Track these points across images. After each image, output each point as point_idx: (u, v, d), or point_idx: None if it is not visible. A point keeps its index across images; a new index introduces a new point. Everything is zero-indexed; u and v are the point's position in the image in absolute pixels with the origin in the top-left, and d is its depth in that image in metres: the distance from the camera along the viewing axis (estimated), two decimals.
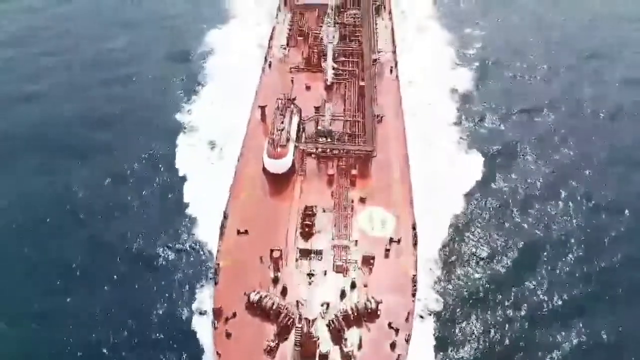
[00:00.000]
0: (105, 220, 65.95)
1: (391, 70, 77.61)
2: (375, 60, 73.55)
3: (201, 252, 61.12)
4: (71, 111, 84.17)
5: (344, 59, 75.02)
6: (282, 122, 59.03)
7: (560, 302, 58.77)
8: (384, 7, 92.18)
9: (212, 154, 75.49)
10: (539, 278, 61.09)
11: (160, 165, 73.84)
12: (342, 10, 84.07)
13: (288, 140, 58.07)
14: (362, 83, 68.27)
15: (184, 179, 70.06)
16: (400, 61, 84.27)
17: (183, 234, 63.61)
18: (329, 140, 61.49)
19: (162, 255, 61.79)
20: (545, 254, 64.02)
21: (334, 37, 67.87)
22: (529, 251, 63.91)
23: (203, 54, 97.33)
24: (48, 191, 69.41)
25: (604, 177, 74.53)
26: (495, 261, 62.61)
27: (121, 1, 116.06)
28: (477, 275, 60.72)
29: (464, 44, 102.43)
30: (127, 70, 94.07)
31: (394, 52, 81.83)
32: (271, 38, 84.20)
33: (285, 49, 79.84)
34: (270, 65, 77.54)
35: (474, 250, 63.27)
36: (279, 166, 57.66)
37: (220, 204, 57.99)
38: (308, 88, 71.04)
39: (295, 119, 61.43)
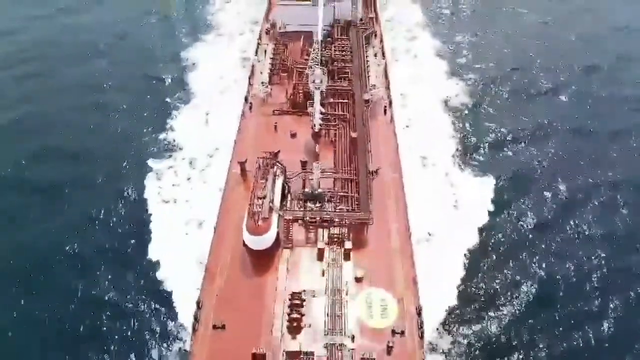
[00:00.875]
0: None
1: (385, 111, 69.53)
2: (367, 101, 67.24)
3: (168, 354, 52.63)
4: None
5: (332, 100, 67.86)
6: (264, 188, 50.99)
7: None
8: (375, 35, 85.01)
9: (192, 172, 72.34)
10: None
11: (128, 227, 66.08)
12: (329, 39, 78.33)
13: (271, 210, 49.71)
14: (353, 135, 61.03)
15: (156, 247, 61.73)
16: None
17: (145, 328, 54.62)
18: (318, 204, 53.46)
19: None
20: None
21: (321, 81, 59.53)
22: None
23: (184, 69, 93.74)
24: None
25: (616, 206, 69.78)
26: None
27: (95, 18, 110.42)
28: None
29: (455, 54, 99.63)
30: (102, 91, 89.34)
31: (388, 87, 73.68)
32: (252, 74, 75.50)
33: (267, 87, 71.04)
34: (250, 107, 69.45)
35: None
36: (260, 243, 49.24)
37: (193, 286, 50.55)
38: (293, 135, 63.41)
39: (280, 181, 53.20)
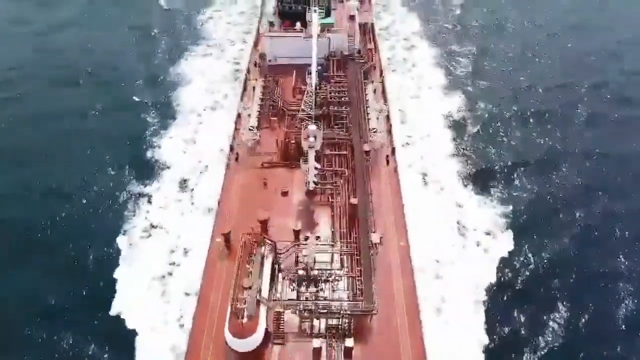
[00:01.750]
0: None
1: (387, 161, 62.09)
2: (368, 152, 60.12)
3: None
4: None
5: (329, 151, 60.02)
6: (250, 274, 43.59)
7: None
8: (374, 67, 78.17)
9: (183, 196, 67.64)
10: None
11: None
12: (324, 74, 70.74)
13: (259, 303, 42.26)
14: (353, 201, 52.83)
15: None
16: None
17: None
18: (313, 288, 46.10)
19: None
20: None
21: (315, 138, 52.16)
22: None
23: (173, 85, 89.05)
24: None
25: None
26: None
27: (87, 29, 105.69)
28: None
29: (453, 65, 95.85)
30: (86, 111, 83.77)
31: (390, 131, 66.97)
32: (238, 118, 67.81)
33: (255, 133, 63.34)
34: (237, 158, 61.75)
35: None
36: (245, 346, 41.41)
37: None
38: (285, 194, 56.15)
39: (269, 261, 45.62)
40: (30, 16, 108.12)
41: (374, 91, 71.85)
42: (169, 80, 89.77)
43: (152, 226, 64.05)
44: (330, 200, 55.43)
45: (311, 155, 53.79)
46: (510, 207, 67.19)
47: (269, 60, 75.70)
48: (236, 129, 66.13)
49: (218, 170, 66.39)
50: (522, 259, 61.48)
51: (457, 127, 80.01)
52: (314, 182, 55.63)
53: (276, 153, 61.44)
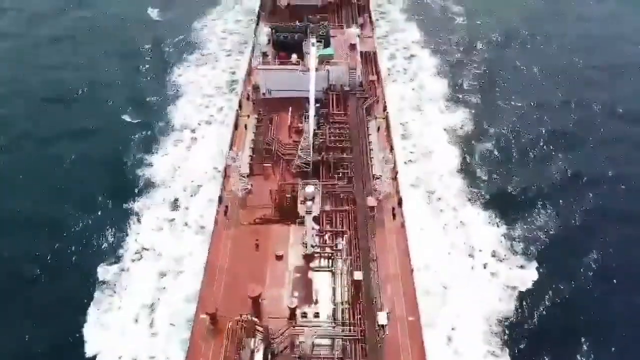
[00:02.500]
0: None
1: (394, 214, 55.89)
2: (373, 207, 54.33)
3: None
4: None
5: (329, 207, 54.05)
6: None
7: None
8: (377, 101, 71.29)
9: (175, 215, 65.08)
10: None
11: None
12: (323, 111, 65.69)
13: None
14: (357, 276, 47.14)
15: None
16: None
17: None
18: None
19: None
20: None
21: (313, 201, 46.77)
22: None
23: (165, 98, 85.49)
24: None
25: None
26: None
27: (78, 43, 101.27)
28: None
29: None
30: (82, 118, 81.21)
31: (395, 177, 60.14)
32: (227, 165, 61.07)
33: (247, 183, 57.57)
34: (226, 211, 55.17)
35: None
36: None
37: None
38: (279, 258, 50.56)
39: (260, 355, 40.81)
40: (15, 30, 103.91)
41: (378, 129, 66.42)
42: (161, 93, 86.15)
43: (144, 249, 61.33)
44: (330, 266, 49.83)
45: (308, 220, 47.97)
46: (519, 228, 64.59)
47: (263, 94, 70.30)
48: (225, 176, 59.11)
49: (211, 190, 64.59)
50: (536, 286, 58.47)
51: (462, 142, 76.76)
52: (312, 245, 49.51)
53: (270, 206, 54.84)
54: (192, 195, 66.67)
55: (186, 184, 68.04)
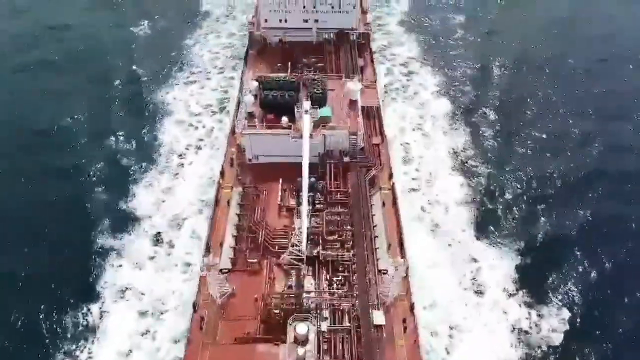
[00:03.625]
0: None
1: (405, 327, 46.32)
2: (381, 327, 45.08)
3: None
4: None
5: (326, 326, 44.57)
6: None
7: None
8: (382, 168, 61.74)
9: (158, 250, 60.35)
10: None
11: None
12: (319, 184, 56.68)
13: None
14: None
15: None
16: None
17: None
18: None
19: None
20: None
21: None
22: None
23: (153, 120, 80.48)
24: None
25: None
26: None
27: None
28: None
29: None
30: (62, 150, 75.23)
31: (403, 256, 50.88)
32: (207, 247, 51.94)
33: (227, 285, 47.24)
34: (201, 324, 45.10)
35: None
36: None
37: None
38: None
39: None
40: None
41: (383, 204, 56.73)
42: (147, 115, 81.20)
43: (126, 288, 56.46)
44: None
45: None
46: (531, 264, 59.64)
47: (249, 159, 61.24)
48: (204, 267, 45.92)
49: (196, 224, 61.17)
50: (542, 323, 54.29)
51: (466, 168, 72.17)
52: None
53: (255, 318, 45.34)
54: (176, 228, 61.95)
55: (171, 217, 63.34)
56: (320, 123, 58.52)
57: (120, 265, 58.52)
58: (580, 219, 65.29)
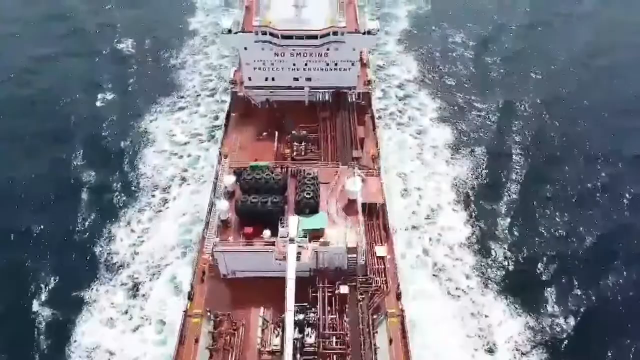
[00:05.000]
0: None
1: None
2: None
3: None
4: None
5: None
6: None
7: None
8: (387, 293, 49.88)
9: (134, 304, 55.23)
10: None
11: None
12: (311, 315, 45.53)
13: None
14: None
15: None
16: None
17: None
18: None
19: None
20: None
21: None
22: None
23: (137, 148, 75.48)
24: None
25: None
26: None
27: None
28: None
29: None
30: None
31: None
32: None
33: None
34: None
35: None
36: None
37: None
38: None
39: None
40: None
41: (390, 341, 45.77)
42: (130, 145, 75.95)
43: (95, 347, 51.57)
44: None
45: None
46: (544, 317, 54.67)
47: (224, 275, 50.68)
48: None
49: (177, 269, 56.63)
50: None
51: (471, 203, 67.13)
52: None
53: None
54: (155, 277, 57.07)
55: (149, 264, 58.59)
56: (311, 235, 48.63)
57: (91, 320, 53.89)
58: (601, 275, 59.48)
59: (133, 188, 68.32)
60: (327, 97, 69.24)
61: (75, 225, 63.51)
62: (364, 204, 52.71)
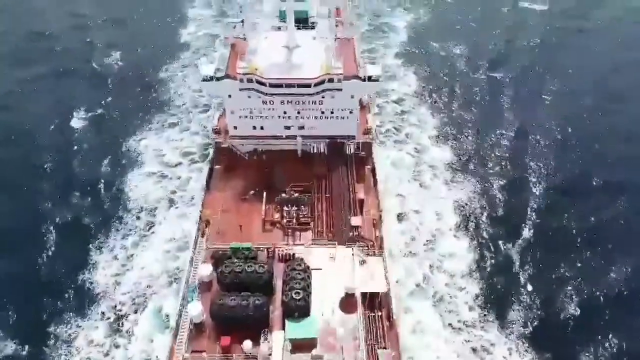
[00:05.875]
0: None
1: None
2: None
3: None
4: None
5: None
6: None
7: None
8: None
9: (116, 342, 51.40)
10: None
11: None
12: None
13: None
14: None
15: None
16: None
17: None
18: None
19: None
20: None
21: None
22: None
23: (122, 170, 72.06)
24: None
25: None
26: None
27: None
28: None
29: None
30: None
31: None
32: None
33: None
34: None
35: None
36: None
37: None
38: None
39: None
40: None
41: None
42: (116, 164, 72.75)
43: None
44: None
45: None
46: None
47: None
48: None
49: (163, 299, 53.03)
50: None
51: (473, 228, 63.81)
52: None
53: None
54: (139, 310, 53.61)
55: (133, 294, 55.23)
56: (302, 345, 42.57)
57: None
58: (625, 316, 54.98)
59: (118, 212, 64.93)
60: (322, 148, 62.43)
61: (53, 253, 60.31)
62: (363, 294, 46.49)
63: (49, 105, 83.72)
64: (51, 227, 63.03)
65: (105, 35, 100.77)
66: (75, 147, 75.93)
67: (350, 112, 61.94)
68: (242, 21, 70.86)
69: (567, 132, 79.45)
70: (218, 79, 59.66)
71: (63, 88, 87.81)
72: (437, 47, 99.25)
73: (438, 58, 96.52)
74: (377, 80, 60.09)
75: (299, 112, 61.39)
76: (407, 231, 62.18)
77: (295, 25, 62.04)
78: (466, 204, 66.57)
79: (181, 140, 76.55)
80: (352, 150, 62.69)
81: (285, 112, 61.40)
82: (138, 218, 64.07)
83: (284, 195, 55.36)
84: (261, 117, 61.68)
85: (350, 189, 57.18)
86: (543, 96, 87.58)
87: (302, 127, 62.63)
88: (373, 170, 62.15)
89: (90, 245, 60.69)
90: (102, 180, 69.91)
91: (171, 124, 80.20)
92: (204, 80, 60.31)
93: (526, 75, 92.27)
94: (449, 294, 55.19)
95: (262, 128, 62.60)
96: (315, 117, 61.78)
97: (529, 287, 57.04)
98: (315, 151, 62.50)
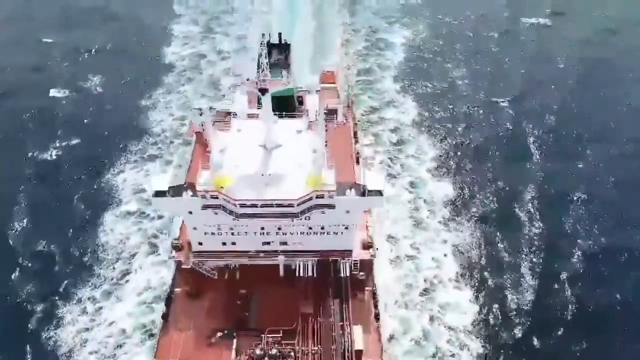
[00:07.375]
0: None
1: None
2: None
3: None
4: None
5: None
6: None
7: None
8: None
9: None
10: None
11: None
12: None
13: None
14: None
15: None
16: None
17: None
18: None
19: None
20: None
21: None
22: None
23: (99, 209, 66.73)
24: None
25: None
26: None
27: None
28: None
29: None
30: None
31: None
32: None
33: None
34: None
35: None
36: None
37: None
38: None
39: None
40: None
41: None
42: (91, 201, 67.50)
43: None
44: None
45: None
46: None
47: None
48: None
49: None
50: None
51: (475, 276, 58.60)
52: None
53: None
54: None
55: (101, 354, 50.18)
56: None
57: None
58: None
59: (88, 258, 60.08)
60: (309, 269, 50.33)
61: (16, 304, 55.31)
62: None
63: (19, 132, 78.90)
64: (14, 273, 58.24)
65: (85, 58, 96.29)
66: (48, 181, 70.92)
67: (346, 228, 50.35)
68: (211, 108, 61.60)
69: (577, 168, 74.80)
70: (174, 194, 47.10)
71: (33, 116, 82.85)
72: (435, 69, 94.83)
73: (437, 81, 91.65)
74: (380, 195, 47.66)
75: (280, 228, 49.83)
76: (402, 278, 57.42)
77: (275, 114, 50.73)
78: (467, 248, 61.47)
79: (163, 173, 70.56)
80: (348, 271, 50.82)
81: (262, 228, 49.82)
82: (113, 269, 58.79)
83: (258, 351, 43.75)
84: (233, 233, 50.12)
85: (345, 334, 45.42)
86: (550, 123, 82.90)
87: (284, 243, 51.46)
88: (374, 296, 49.89)
89: (55, 296, 55.46)
90: (75, 221, 64.72)
91: (151, 155, 74.95)
92: (156, 195, 47.58)
93: (532, 100, 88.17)
94: (451, 352, 50.13)
95: (234, 244, 51.10)
96: (302, 233, 50.53)
97: (538, 343, 52.03)
98: (302, 272, 50.47)
